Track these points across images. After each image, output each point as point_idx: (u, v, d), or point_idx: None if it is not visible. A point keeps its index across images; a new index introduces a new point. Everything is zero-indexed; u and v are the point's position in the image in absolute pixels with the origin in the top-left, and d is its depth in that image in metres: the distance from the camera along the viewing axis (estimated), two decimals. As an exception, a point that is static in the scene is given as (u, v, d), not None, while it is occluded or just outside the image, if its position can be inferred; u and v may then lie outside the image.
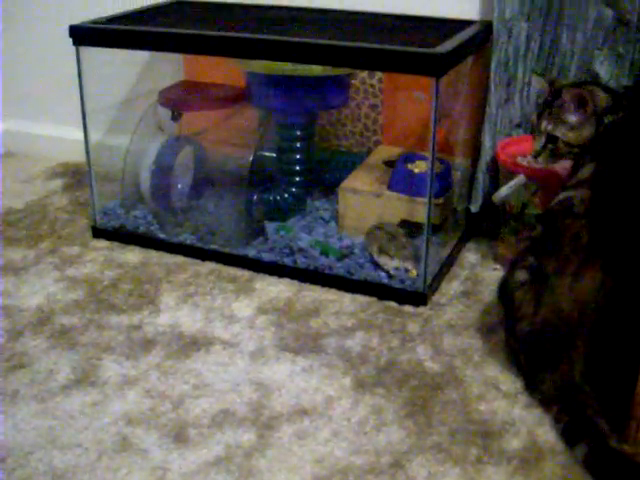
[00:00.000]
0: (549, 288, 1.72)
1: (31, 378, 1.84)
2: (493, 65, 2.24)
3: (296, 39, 2.10)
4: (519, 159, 2.20)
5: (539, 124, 1.99)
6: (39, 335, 2.00)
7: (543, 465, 1.58)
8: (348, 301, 2.15)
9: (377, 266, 2.21)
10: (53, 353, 1.93)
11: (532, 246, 1.84)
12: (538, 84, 2.08)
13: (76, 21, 2.34)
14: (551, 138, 1.96)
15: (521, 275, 1.81)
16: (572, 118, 1.93)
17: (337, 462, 1.59)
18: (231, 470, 1.57)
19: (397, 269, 2.18)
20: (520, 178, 2.14)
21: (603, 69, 2.17)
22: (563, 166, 2.00)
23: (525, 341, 1.79)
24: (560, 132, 1.95)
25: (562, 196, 1.82)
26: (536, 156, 2.00)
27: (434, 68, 1.93)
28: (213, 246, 2.37)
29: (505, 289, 1.86)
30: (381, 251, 2.20)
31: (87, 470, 1.57)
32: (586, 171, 1.82)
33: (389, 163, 2.44)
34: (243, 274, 2.28)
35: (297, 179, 2.52)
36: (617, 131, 1.89)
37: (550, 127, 1.96)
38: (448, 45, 2.00)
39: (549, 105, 1.98)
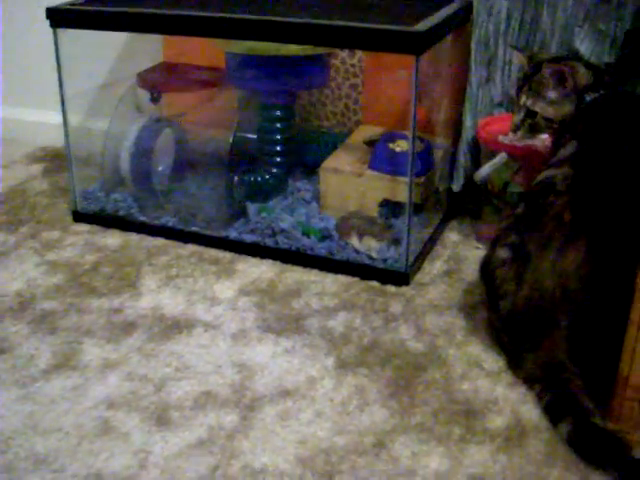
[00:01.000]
0: (531, 266, 1.72)
1: (12, 363, 1.83)
2: (473, 43, 2.23)
3: (275, 18, 2.08)
4: (500, 137, 2.19)
5: (518, 98, 1.98)
6: (20, 320, 1.99)
7: (526, 443, 1.58)
8: (330, 282, 2.14)
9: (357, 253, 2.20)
10: (34, 338, 1.92)
11: (514, 224, 1.84)
12: (517, 59, 2.07)
13: (55, 3, 2.32)
14: (530, 113, 1.95)
15: (503, 253, 1.80)
16: (552, 94, 1.92)
17: (320, 442, 1.58)
18: (214, 452, 1.56)
19: (380, 250, 2.18)
20: (501, 156, 2.14)
21: (584, 46, 2.16)
22: (543, 143, 2.00)
23: (507, 319, 1.79)
24: (539, 107, 1.94)
25: (544, 175, 1.82)
26: (515, 130, 1.99)
27: (414, 46, 1.92)
28: (194, 228, 2.36)
29: (487, 267, 1.85)
30: (362, 235, 2.19)
31: (69, 454, 1.56)
32: (567, 149, 1.82)
33: (370, 143, 2.43)
34: (225, 256, 2.27)
35: (278, 160, 2.51)
36: (598, 109, 1.88)
37: (529, 102, 1.94)
38: (428, 23, 1.99)
39: (528, 79, 1.96)
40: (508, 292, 1.76)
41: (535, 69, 1.95)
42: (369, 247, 2.18)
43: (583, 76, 1.91)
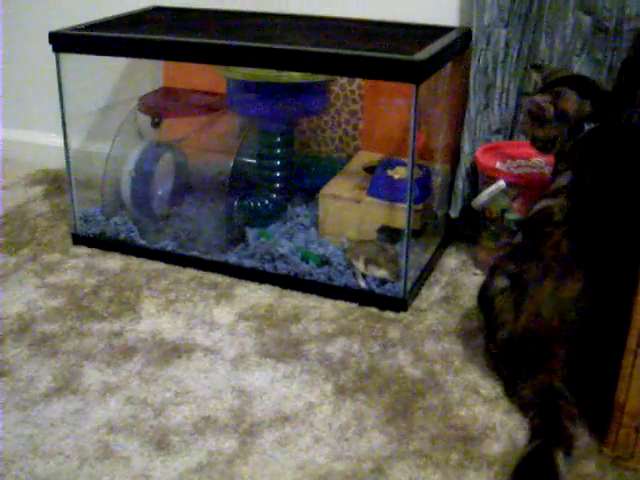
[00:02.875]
0: (529, 295, 1.73)
1: (12, 386, 1.84)
2: (472, 71, 2.26)
3: (275, 46, 2.10)
4: (498, 165, 2.21)
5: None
6: (20, 343, 2.00)
7: (523, 469, 1.59)
8: (329, 307, 2.15)
9: (364, 277, 2.21)
10: (34, 361, 1.93)
11: (512, 253, 1.86)
12: (534, 77, 2.13)
13: (57, 27, 2.34)
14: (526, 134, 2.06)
15: (501, 281, 1.81)
16: (536, 115, 1.99)
17: (319, 468, 1.59)
18: (213, 477, 1.57)
19: (383, 280, 2.19)
20: (499, 184, 2.15)
21: (581, 75, 2.19)
22: (541, 170, 2.03)
23: (505, 348, 1.80)
24: (527, 125, 2.03)
25: (541, 205, 1.84)
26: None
27: (413, 75, 1.94)
28: (194, 252, 2.37)
29: (485, 295, 1.87)
30: (369, 263, 2.20)
31: (69, 478, 1.57)
32: (563, 179, 1.84)
33: (369, 169, 2.45)
34: (224, 280, 2.28)
35: (277, 185, 2.53)
36: (592, 139, 1.90)
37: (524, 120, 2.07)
38: (427, 52, 2.01)
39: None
40: (506, 321, 1.77)
41: (542, 90, 2.01)
42: (372, 274, 2.19)
43: (574, 104, 1.93)
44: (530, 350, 1.73)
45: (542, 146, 2.01)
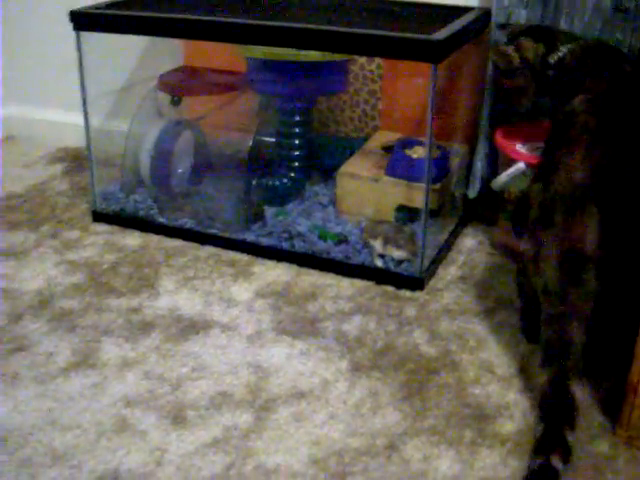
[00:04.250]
0: (561, 167, 1.76)
1: (31, 360, 1.86)
2: (492, 52, 2.25)
3: (295, 25, 2.10)
4: (518, 147, 2.20)
5: None
6: (39, 318, 2.02)
7: (537, 448, 1.60)
8: (346, 285, 2.16)
9: (381, 256, 2.22)
10: (53, 336, 1.95)
11: (544, 153, 1.89)
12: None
13: (78, 6, 2.35)
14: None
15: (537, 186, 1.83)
16: (504, 68, 2.10)
17: (333, 444, 1.61)
18: (228, 451, 1.59)
19: (401, 260, 2.20)
20: (519, 166, 2.15)
21: (601, 56, 2.18)
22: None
23: (535, 220, 1.79)
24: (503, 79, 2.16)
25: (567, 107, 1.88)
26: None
27: (432, 54, 1.94)
28: (212, 230, 2.39)
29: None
30: (387, 243, 2.20)
31: (86, 451, 1.59)
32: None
33: (387, 148, 2.45)
34: (242, 258, 2.30)
35: (296, 164, 2.54)
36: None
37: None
38: (446, 31, 2.01)
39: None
40: (535, 200, 1.79)
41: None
42: (390, 254, 2.20)
43: (530, 49, 2.02)
44: (562, 206, 1.73)
45: (515, 98, 2.09)
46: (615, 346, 1.69)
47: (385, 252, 2.20)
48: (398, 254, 2.19)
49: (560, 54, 1.99)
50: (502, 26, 2.17)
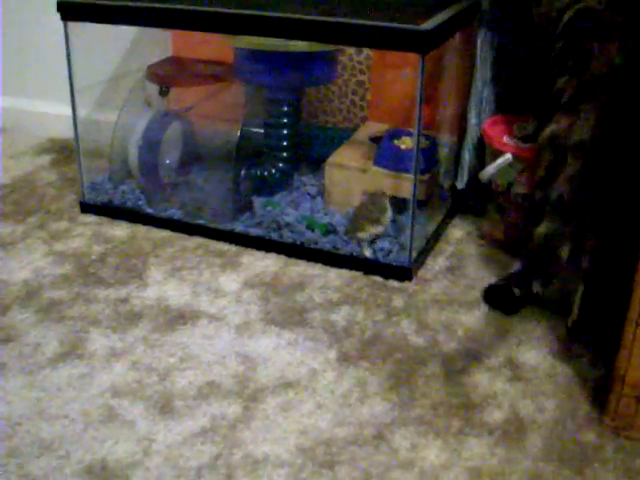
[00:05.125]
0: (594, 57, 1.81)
1: (19, 351, 1.86)
2: (479, 42, 2.25)
3: (282, 15, 2.10)
4: (506, 138, 2.21)
5: None
6: (27, 309, 2.02)
7: (524, 437, 1.61)
8: (334, 276, 2.16)
9: (370, 244, 2.23)
10: (41, 326, 1.95)
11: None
12: None
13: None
14: None
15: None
16: None
17: (321, 433, 1.61)
18: (216, 441, 1.59)
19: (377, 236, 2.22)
20: (507, 157, 2.15)
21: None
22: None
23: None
24: None
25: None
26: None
27: (419, 45, 1.94)
28: (200, 221, 2.39)
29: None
30: (367, 225, 2.21)
31: (74, 441, 1.58)
32: None
33: (375, 139, 2.45)
34: (230, 249, 2.30)
35: (284, 154, 2.53)
36: None
37: None
38: (434, 22, 2.00)
39: None
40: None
41: None
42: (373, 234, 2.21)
43: None
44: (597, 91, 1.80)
45: None
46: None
47: (367, 233, 2.21)
48: (377, 230, 2.20)
49: None
50: None
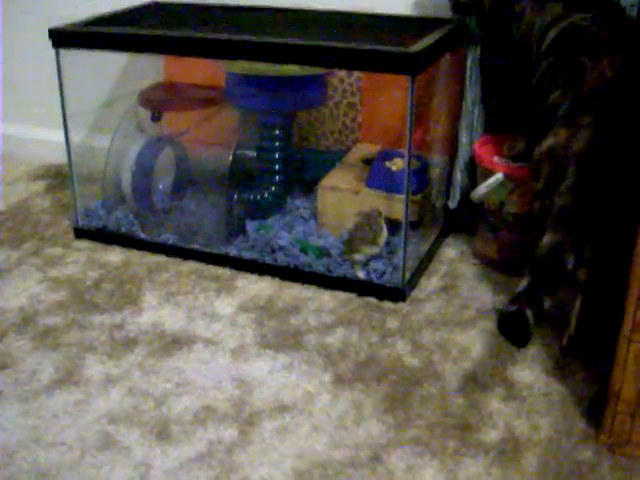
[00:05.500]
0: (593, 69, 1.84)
1: (15, 378, 1.86)
2: (468, 63, 2.27)
3: (273, 40, 2.11)
4: (496, 158, 2.22)
5: None
6: (23, 336, 2.02)
7: (520, 457, 1.61)
8: (328, 298, 2.17)
9: (363, 266, 2.24)
10: (37, 353, 1.95)
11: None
12: None
13: (57, 23, 2.36)
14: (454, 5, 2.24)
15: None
16: None
17: (317, 456, 1.61)
18: (213, 466, 1.59)
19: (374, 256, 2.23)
20: (497, 176, 2.16)
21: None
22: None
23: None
24: None
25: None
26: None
27: (409, 67, 1.96)
28: (194, 245, 2.39)
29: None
30: (358, 243, 2.21)
31: (71, 468, 1.59)
32: None
33: (368, 161, 2.46)
34: (224, 272, 2.30)
35: (277, 178, 2.54)
36: None
37: None
38: (423, 44, 2.02)
39: None
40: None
41: None
42: (369, 255, 2.21)
43: None
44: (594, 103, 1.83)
45: (471, 10, 2.16)
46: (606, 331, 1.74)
47: (363, 254, 2.21)
48: (373, 251, 2.21)
49: None
50: None
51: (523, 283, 1.92)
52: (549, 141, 1.88)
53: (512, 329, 1.98)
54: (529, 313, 1.91)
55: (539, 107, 1.97)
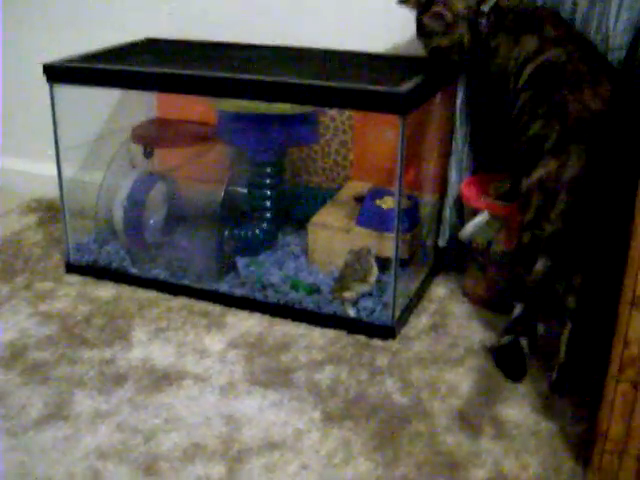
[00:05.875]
0: (573, 102, 1.89)
1: (4, 413, 1.86)
2: (458, 102, 2.29)
3: (265, 78, 2.13)
4: (483, 197, 2.23)
5: (420, 41, 2.23)
6: (12, 370, 2.02)
7: (508, 495, 1.61)
8: (318, 335, 2.17)
9: (353, 305, 2.25)
10: (26, 388, 1.95)
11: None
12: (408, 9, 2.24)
13: (51, 59, 2.38)
14: (433, 50, 2.20)
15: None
16: (438, 28, 2.13)
17: (306, 494, 1.61)
18: (201, 503, 1.59)
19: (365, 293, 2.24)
20: (484, 215, 2.18)
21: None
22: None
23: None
24: (435, 42, 2.16)
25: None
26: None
27: (399, 106, 1.98)
28: (185, 281, 2.40)
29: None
30: (349, 281, 2.22)
31: (59, 504, 1.59)
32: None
33: (359, 199, 2.48)
34: (215, 309, 2.31)
35: (268, 215, 2.55)
36: None
37: (427, 41, 2.19)
38: (413, 83, 2.04)
39: (419, 23, 2.19)
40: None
41: (419, 14, 2.18)
42: (360, 292, 2.22)
43: (461, 3, 2.12)
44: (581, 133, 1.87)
45: (449, 52, 2.16)
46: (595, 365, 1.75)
47: (354, 292, 2.22)
48: (364, 288, 2.22)
49: (492, 1, 2.11)
50: (402, 2, 2.23)
51: (517, 310, 1.93)
52: (539, 172, 1.90)
53: (509, 362, 1.99)
54: (524, 342, 1.92)
55: (520, 139, 2.00)
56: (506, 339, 1.97)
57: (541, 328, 1.93)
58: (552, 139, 1.90)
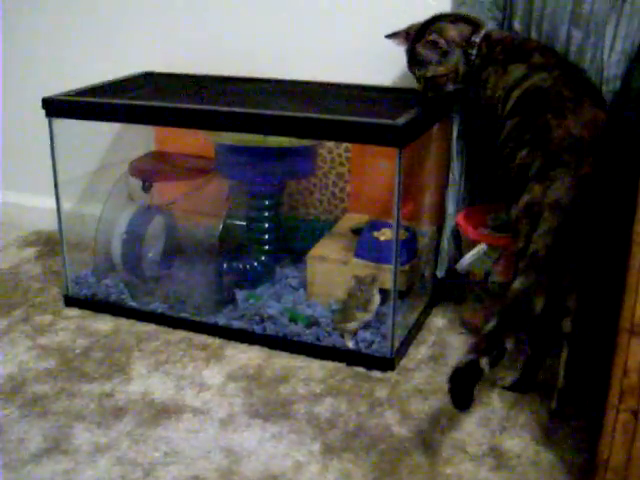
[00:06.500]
0: (558, 128, 1.90)
1: (2, 447, 1.85)
2: (454, 134, 2.30)
3: (262, 112, 2.15)
4: (480, 229, 2.24)
5: (413, 72, 2.20)
6: (10, 404, 2.02)
7: (508, 527, 1.61)
8: (317, 367, 2.17)
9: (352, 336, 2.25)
10: (24, 422, 1.95)
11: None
12: (399, 43, 2.24)
13: (50, 93, 2.39)
14: (427, 79, 2.16)
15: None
16: (433, 56, 2.13)
17: (306, 527, 1.61)
18: (201, 536, 1.59)
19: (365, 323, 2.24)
20: (481, 246, 2.18)
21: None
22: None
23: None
24: (431, 71, 2.15)
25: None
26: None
27: (396, 139, 1.99)
28: (184, 314, 2.40)
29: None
30: (350, 311, 2.23)
31: (58, 538, 1.58)
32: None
33: (357, 231, 2.48)
34: (214, 341, 2.31)
35: (266, 248, 2.56)
36: None
37: (422, 71, 2.16)
38: (410, 115, 2.05)
39: (412, 53, 2.18)
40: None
41: (414, 42, 2.16)
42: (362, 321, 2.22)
43: (454, 31, 2.13)
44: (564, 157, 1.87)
45: (444, 81, 2.16)
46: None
47: (356, 322, 2.22)
48: (365, 316, 2.22)
49: (483, 32, 2.13)
50: (391, 35, 2.24)
51: (488, 326, 1.87)
52: (525, 198, 1.91)
53: (459, 389, 1.80)
54: (484, 361, 1.78)
55: (507, 167, 2.01)
56: (464, 360, 1.81)
57: (509, 343, 1.88)
58: (536, 165, 1.90)
